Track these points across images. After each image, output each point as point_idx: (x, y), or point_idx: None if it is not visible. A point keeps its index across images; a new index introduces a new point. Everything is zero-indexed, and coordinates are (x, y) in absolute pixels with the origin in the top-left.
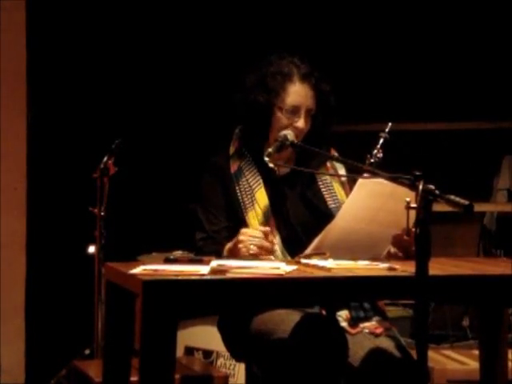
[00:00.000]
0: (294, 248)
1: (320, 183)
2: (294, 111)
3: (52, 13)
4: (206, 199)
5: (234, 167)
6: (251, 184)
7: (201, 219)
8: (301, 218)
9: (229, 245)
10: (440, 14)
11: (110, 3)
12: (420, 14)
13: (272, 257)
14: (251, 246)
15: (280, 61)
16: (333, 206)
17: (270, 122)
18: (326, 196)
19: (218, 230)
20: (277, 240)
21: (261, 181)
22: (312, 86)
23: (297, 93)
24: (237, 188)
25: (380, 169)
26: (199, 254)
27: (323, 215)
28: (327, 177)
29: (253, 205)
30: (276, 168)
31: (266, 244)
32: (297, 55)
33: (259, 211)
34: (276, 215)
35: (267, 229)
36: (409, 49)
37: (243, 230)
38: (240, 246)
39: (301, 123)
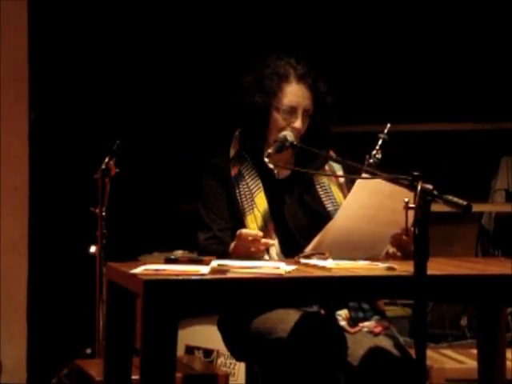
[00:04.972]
0: (292, 251)
1: (318, 187)
2: (291, 111)
3: (54, 14)
4: (208, 201)
5: (234, 170)
6: (251, 188)
7: (204, 220)
8: (299, 222)
9: (232, 245)
10: (439, 15)
11: (111, 5)
12: (419, 15)
13: (267, 256)
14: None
15: (277, 62)
16: (331, 208)
17: (268, 122)
18: (324, 199)
19: (222, 229)
20: (275, 243)
21: (260, 185)
22: (309, 86)
23: (293, 93)
24: (237, 191)
25: (379, 169)
26: (203, 254)
27: (322, 218)
28: (325, 180)
29: (252, 208)
30: (275, 170)
31: (257, 248)
32: (294, 56)
33: (258, 215)
34: (275, 219)
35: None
36: (407, 50)
37: (238, 233)
38: (238, 250)
39: (298, 123)
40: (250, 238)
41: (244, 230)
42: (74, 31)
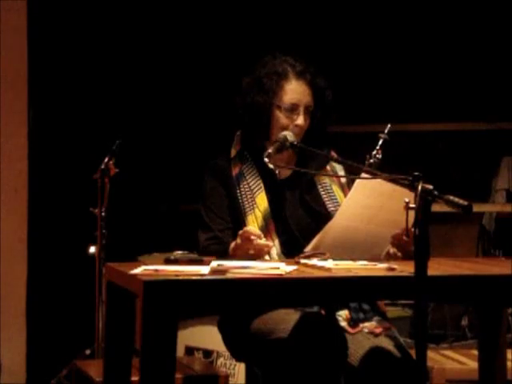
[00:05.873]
0: (292, 252)
1: (319, 187)
2: (293, 109)
3: (53, 14)
4: (209, 200)
5: (235, 170)
6: (252, 188)
7: (205, 220)
8: (300, 222)
9: (232, 245)
10: (439, 15)
11: (110, 5)
12: (419, 15)
13: (267, 257)
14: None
15: (274, 61)
16: (332, 209)
17: (270, 122)
18: (326, 200)
19: (223, 229)
20: (276, 244)
21: (261, 184)
22: (308, 82)
23: (294, 90)
24: (238, 191)
25: (379, 169)
26: (204, 254)
27: (323, 219)
28: (327, 180)
29: (253, 208)
30: (276, 169)
31: (256, 250)
32: (290, 54)
33: (259, 215)
34: (276, 219)
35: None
36: (408, 50)
37: (240, 233)
38: (238, 251)
39: (300, 120)
40: (252, 237)
41: (248, 228)
42: (74, 31)
